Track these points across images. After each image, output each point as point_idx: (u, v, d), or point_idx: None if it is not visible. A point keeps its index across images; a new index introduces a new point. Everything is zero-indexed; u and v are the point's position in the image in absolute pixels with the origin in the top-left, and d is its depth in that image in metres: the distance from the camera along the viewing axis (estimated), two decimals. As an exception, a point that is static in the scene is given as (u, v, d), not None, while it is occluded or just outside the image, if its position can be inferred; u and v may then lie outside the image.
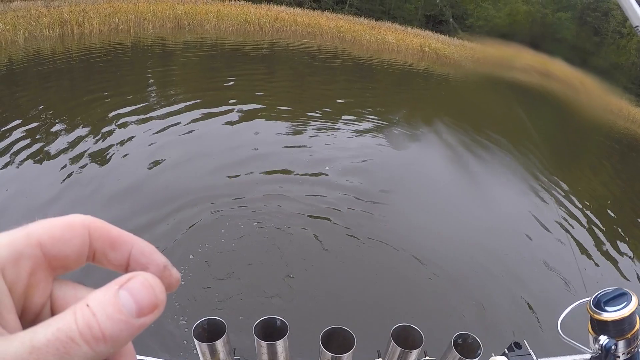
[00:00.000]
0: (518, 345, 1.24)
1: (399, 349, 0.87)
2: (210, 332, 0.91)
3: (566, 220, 7.11)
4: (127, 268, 0.30)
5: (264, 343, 0.85)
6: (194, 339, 0.89)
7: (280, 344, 0.86)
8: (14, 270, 0.25)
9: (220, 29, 22.16)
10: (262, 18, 24.75)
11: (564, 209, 7.64)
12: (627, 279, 5.88)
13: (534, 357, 1.24)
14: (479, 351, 0.93)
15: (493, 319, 4.32)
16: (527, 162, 9.61)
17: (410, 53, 29.55)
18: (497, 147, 10.49)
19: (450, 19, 40.32)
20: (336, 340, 0.88)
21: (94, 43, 15.45)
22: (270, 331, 0.89)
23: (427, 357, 1.12)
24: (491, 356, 1.23)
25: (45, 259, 0.27)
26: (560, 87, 26.06)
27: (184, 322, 3.48)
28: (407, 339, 0.91)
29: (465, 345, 0.94)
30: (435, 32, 36.42)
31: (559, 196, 8.25)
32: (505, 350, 1.25)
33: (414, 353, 0.88)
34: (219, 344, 0.88)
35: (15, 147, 6.42)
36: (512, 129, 12.12)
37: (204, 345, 0.88)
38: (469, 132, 11.28)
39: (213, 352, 0.88)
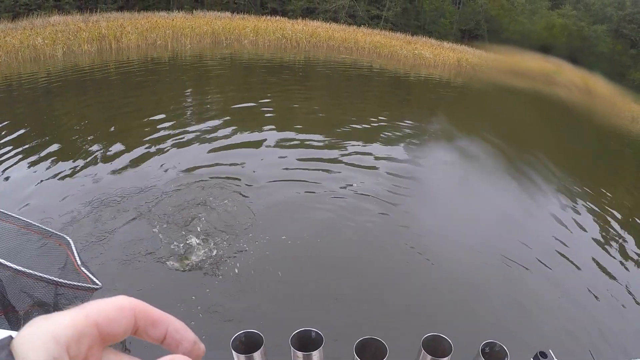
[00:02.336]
0: (544, 355, 1.21)
1: (429, 357, 0.88)
2: (248, 345, 0.92)
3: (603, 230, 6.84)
4: (163, 342, 0.36)
5: (300, 353, 0.87)
6: (232, 351, 0.89)
7: (315, 355, 0.88)
8: (76, 347, 0.30)
9: (257, 44, 21.59)
10: (299, 33, 24.16)
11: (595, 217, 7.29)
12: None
13: None
14: (506, 359, 0.92)
15: (518, 327, 4.25)
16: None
17: (447, 68, 28.69)
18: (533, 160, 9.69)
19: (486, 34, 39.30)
20: (369, 351, 0.90)
21: (131, 58, 14.89)
22: (306, 342, 0.90)
23: None
24: None
25: (99, 336, 0.32)
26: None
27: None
28: (436, 348, 0.91)
29: (493, 354, 0.94)
30: (471, 46, 35.36)
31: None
32: (531, 359, 1.21)
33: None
34: (257, 356, 0.89)
35: (49, 155, 6.41)
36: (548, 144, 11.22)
37: (242, 357, 0.89)
38: (512, 148, 10.45)
39: None
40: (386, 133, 9.66)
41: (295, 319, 3.66)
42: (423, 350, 0.92)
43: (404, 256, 5.08)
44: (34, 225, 3.21)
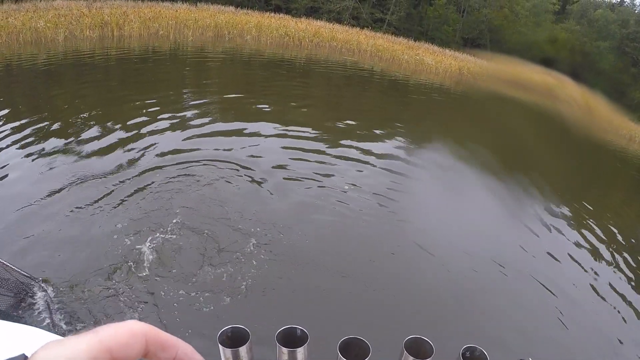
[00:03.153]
0: None
1: (411, 358, 0.90)
2: (234, 340, 0.92)
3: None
4: None
5: (285, 350, 0.89)
6: (219, 345, 0.89)
7: (300, 352, 0.89)
8: None
9: (260, 40, 21.63)
10: (302, 32, 24.20)
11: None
12: None
13: None
14: None
15: (499, 333, 4.29)
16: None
17: (448, 75, 28.79)
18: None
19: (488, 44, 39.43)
20: (353, 350, 0.92)
21: (132, 46, 14.90)
22: (291, 340, 0.91)
23: None
24: None
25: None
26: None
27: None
28: (418, 350, 0.92)
29: (473, 358, 0.93)
30: (473, 55, 35.50)
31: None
32: None
33: None
34: (243, 350, 0.90)
35: (44, 137, 6.38)
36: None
37: (228, 351, 0.89)
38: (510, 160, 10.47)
39: (236, 358, 0.90)
40: (379, 136, 9.76)
41: (281, 316, 3.70)
42: (405, 352, 0.92)
43: (394, 258, 5.11)
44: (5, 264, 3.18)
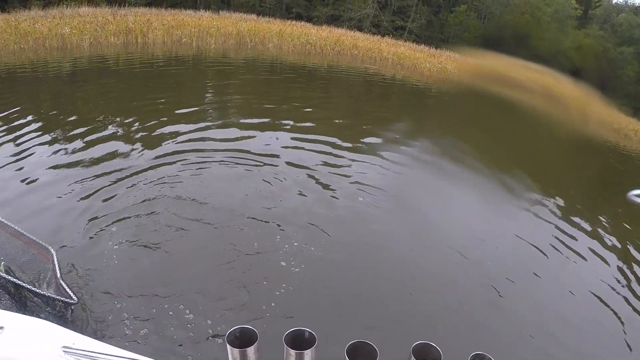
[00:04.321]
0: None
1: None
2: (242, 340, 0.94)
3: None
4: None
5: (292, 352, 0.89)
6: (227, 345, 0.91)
7: (308, 354, 0.89)
8: None
9: (281, 48, 21.49)
10: (323, 40, 24.03)
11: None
12: None
13: None
14: None
15: (510, 341, 4.12)
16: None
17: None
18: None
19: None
20: (360, 354, 0.91)
21: (156, 53, 14.83)
22: (299, 342, 0.92)
23: None
24: None
25: None
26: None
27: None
28: (426, 356, 0.93)
29: None
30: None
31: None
32: None
33: None
34: (250, 351, 0.91)
35: (69, 139, 6.41)
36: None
37: (236, 351, 0.91)
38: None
39: (244, 358, 0.91)
40: (400, 145, 9.35)
41: (290, 318, 3.60)
42: (413, 357, 0.94)
43: (406, 262, 4.91)
44: (22, 233, 3.32)
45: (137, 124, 7.46)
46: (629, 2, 49.20)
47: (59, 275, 3.11)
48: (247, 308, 3.59)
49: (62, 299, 2.86)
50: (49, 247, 3.30)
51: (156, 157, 6.22)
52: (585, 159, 15.53)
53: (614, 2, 49.35)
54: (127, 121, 7.50)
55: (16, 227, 3.30)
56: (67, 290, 2.95)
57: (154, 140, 6.84)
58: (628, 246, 6.90)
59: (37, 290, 2.81)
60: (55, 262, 3.19)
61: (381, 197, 6.23)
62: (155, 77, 11.60)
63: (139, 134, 7.03)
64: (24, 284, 2.79)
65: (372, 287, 4.33)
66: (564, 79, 31.77)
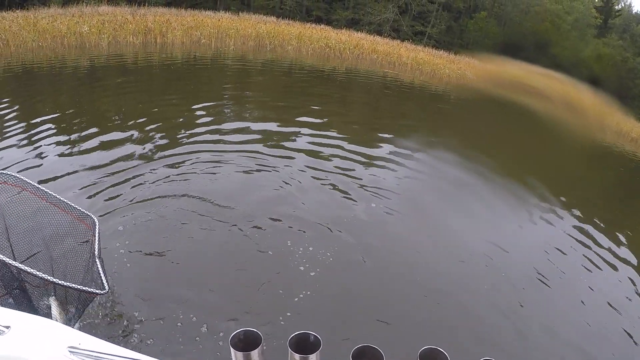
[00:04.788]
0: None
1: None
2: (246, 343, 0.92)
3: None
4: None
5: (297, 356, 0.87)
6: (231, 348, 0.89)
7: (312, 358, 0.88)
8: None
9: (300, 51, 21.20)
10: (343, 44, 23.71)
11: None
12: None
13: None
14: None
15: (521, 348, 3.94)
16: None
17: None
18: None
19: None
20: (366, 358, 0.89)
21: (175, 54, 14.59)
22: (304, 345, 0.91)
23: None
24: None
25: None
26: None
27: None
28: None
29: None
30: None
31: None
32: None
33: None
34: (254, 354, 0.90)
35: (84, 138, 6.27)
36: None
37: (240, 355, 0.89)
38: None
39: None
40: (417, 151, 9.10)
41: (294, 322, 3.42)
42: None
43: (420, 265, 4.77)
44: (62, 201, 2.89)
45: (152, 123, 7.27)
46: (649, 12, 48.04)
47: (96, 251, 2.71)
48: (259, 311, 3.46)
49: (89, 290, 2.43)
50: (91, 215, 2.93)
51: (170, 156, 6.08)
52: (603, 168, 15.11)
53: (634, 12, 48.51)
54: (142, 120, 7.32)
55: (55, 194, 2.90)
56: (101, 273, 2.54)
57: (169, 140, 6.70)
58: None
59: (64, 284, 2.33)
60: (97, 234, 2.81)
61: (396, 201, 6.07)
62: (173, 78, 11.34)
63: (154, 134, 6.84)
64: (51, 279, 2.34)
65: (384, 291, 4.19)
66: (583, 88, 31.11)
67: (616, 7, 47.92)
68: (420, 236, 5.46)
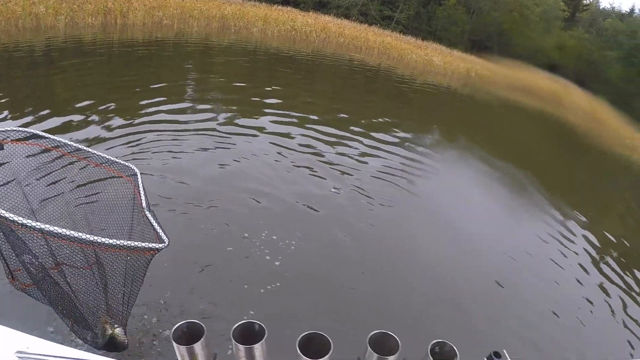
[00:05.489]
0: (497, 355, 1.22)
1: (376, 355, 0.87)
2: (190, 335, 0.88)
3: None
4: None
5: (241, 347, 0.85)
6: (173, 342, 0.85)
7: (258, 348, 0.85)
8: None
9: (266, 33, 21.27)
10: (309, 27, 23.83)
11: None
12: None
13: None
14: (456, 359, 0.92)
15: (471, 328, 4.19)
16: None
17: (456, 77, 28.49)
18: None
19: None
20: (314, 346, 0.87)
21: (136, 35, 14.53)
22: (249, 335, 0.88)
23: None
24: None
25: None
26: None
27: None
28: (384, 345, 0.89)
29: (443, 354, 0.92)
30: (480, 57, 35.23)
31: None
32: (485, 359, 1.23)
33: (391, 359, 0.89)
34: (197, 347, 0.87)
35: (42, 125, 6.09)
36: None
37: (183, 349, 0.86)
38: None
39: (192, 355, 0.86)
40: (383, 134, 9.62)
41: (240, 311, 3.44)
42: (369, 348, 0.90)
43: (367, 251, 4.96)
44: (93, 153, 2.54)
45: (110, 105, 7.38)
46: (615, 8, 49.59)
47: (144, 205, 2.34)
48: (207, 295, 3.51)
49: (151, 246, 1.99)
50: (131, 165, 2.63)
51: (127, 135, 6.22)
52: (548, 135, 17.10)
53: (601, 7, 50.05)
54: (98, 102, 7.37)
55: (82, 146, 2.57)
56: (155, 226, 2.15)
57: (126, 121, 6.82)
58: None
59: (119, 243, 1.86)
60: (140, 185, 2.47)
61: (357, 181, 6.48)
62: (133, 60, 11.40)
63: (112, 115, 6.96)
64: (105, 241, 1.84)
65: (353, 276, 4.37)
66: (541, 74, 32.56)
67: (584, 2, 49.29)
68: (380, 217, 5.78)
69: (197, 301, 3.47)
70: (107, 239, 1.82)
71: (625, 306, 5.48)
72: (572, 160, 14.63)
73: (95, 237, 1.79)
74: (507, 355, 1.25)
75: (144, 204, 2.34)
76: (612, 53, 40.49)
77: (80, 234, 1.77)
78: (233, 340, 0.87)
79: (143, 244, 1.96)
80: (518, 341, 4.15)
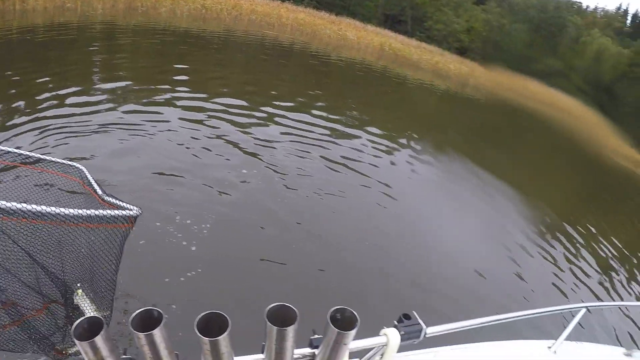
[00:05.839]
0: (407, 317, 1.29)
1: (275, 328, 0.88)
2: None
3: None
4: None
5: (141, 334, 0.83)
6: (75, 340, 0.84)
7: (157, 334, 0.84)
8: None
9: (175, 13, 21.69)
10: (220, 5, 24.35)
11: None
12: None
13: (424, 326, 1.30)
14: (357, 324, 0.94)
15: (387, 293, 4.53)
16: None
17: (370, 51, 29.90)
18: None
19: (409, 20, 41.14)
20: (214, 325, 0.86)
21: (37, 22, 14.83)
22: (148, 323, 0.85)
23: (315, 336, 1.14)
24: (382, 329, 1.26)
25: None
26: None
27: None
28: (283, 318, 0.90)
29: (344, 320, 0.95)
30: (394, 31, 37.16)
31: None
32: (395, 322, 1.27)
33: (290, 329, 0.89)
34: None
35: None
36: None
37: (85, 344, 0.83)
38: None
39: (94, 351, 0.84)
40: (296, 111, 10.38)
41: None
42: (267, 322, 0.87)
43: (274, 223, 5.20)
44: (35, 157, 2.45)
45: (12, 91, 7.45)
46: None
47: (100, 192, 2.28)
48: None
49: (122, 214, 1.96)
50: (74, 164, 2.52)
51: (26, 124, 6.18)
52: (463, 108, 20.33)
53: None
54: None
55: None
56: (122, 202, 2.14)
57: (28, 110, 6.77)
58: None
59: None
60: (89, 178, 2.39)
61: (267, 160, 6.84)
62: (32, 47, 11.44)
63: (14, 103, 6.96)
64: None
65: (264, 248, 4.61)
66: (449, 56, 35.78)
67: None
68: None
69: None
70: (83, 210, 1.72)
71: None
72: (467, 118, 17.62)
73: (66, 210, 1.67)
74: (416, 316, 1.30)
75: (99, 192, 2.25)
76: (522, 26, 43.76)
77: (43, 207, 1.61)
78: (131, 328, 0.82)
79: (118, 212, 1.91)
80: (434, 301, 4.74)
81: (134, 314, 0.85)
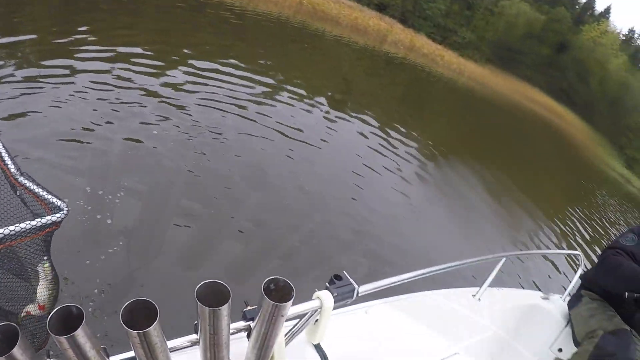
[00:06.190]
0: (338, 277, 1.28)
1: (207, 309, 0.82)
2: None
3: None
4: None
5: (62, 338, 0.73)
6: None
7: (80, 333, 0.75)
8: None
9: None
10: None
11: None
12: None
13: (356, 286, 1.30)
14: (292, 294, 0.91)
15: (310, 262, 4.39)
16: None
17: (287, 5, 29.04)
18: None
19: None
20: (141, 313, 0.80)
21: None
22: (69, 322, 0.76)
23: (248, 308, 1.13)
24: (314, 292, 1.25)
25: None
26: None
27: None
28: (216, 296, 0.84)
29: (278, 290, 0.92)
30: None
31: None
32: (327, 284, 1.27)
33: (224, 309, 0.84)
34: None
35: None
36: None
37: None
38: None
39: (10, 358, 0.74)
40: (208, 62, 9.85)
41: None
42: (199, 303, 0.82)
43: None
44: None
45: None
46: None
47: (14, 171, 1.65)
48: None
49: (45, 220, 1.50)
50: None
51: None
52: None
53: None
54: None
55: None
56: (42, 193, 1.62)
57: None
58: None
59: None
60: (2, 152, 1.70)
61: (178, 115, 6.42)
62: None
63: None
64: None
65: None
66: (369, 12, 36.11)
67: None
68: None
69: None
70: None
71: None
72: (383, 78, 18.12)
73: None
74: (347, 275, 1.31)
75: (12, 170, 1.67)
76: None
77: None
78: (50, 332, 0.73)
79: (33, 222, 1.44)
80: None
81: (50, 316, 0.74)
